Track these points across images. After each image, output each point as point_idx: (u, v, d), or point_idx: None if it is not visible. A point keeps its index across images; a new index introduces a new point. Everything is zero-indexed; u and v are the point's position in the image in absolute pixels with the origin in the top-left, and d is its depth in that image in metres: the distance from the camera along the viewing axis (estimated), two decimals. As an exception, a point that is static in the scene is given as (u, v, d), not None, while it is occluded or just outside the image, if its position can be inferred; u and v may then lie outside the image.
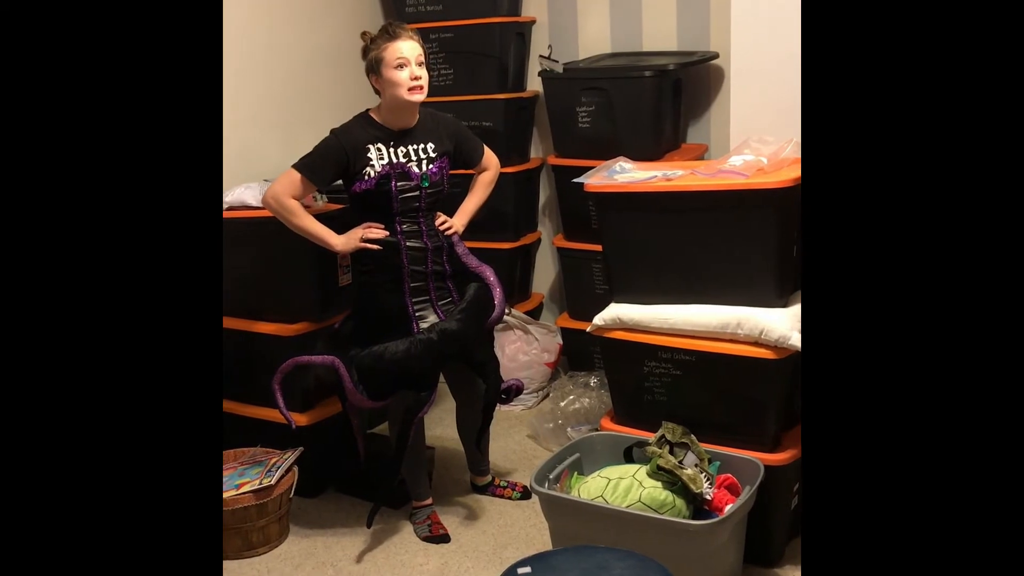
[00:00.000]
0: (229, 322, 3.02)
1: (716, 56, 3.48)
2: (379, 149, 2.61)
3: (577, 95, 3.41)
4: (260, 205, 2.89)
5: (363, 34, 2.64)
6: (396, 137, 2.64)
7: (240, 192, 2.96)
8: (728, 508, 2.25)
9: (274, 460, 2.87)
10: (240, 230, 2.94)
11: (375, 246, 2.61)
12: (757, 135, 2.65)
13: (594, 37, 3.78)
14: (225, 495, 2.73)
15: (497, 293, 2.77)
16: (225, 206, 2.97)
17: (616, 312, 2.57)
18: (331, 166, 2.60)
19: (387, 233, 2.63)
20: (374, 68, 2.59)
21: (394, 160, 2.62)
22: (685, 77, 3.52)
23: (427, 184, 2.65)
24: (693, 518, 2.28)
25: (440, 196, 2.72)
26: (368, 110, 2.69)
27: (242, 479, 2.80)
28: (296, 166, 2.61)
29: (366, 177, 2.59)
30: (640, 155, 3.03)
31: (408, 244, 2.64)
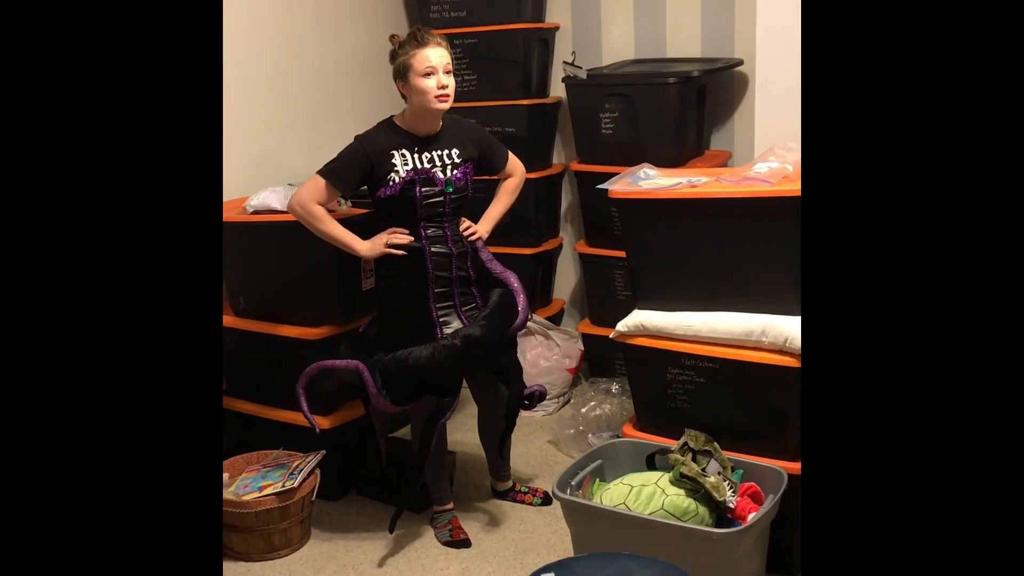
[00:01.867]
0: (252, 325, 3.04)
1: (740, 63, 3.48)
2: (404, 155, 2.62)
3: (601, 101, 3.41)
4: (285, 209, 2.91)
5: (392, 37, 2.65)
6: (420, 143, 2.65)
7: (265, 196, 2.98)
8: (751, 516, 2.25)
9: (297, 463, 2.89)
10: (264, 234, 2.96)
11: (400, 252, 2.62)
12: (782, 142, 2.64)
13: (618, 43, 3.78)
14: (248, 497, 2.75)
15: (521, 299, 2.78)
16: (250, 210, 2.99)
17: (639, 318, 2.56)
18: (356, 172, 2.61)
19: (412, 239, 2.64)
20: (401, 74, 2.60)
21: (419, 166, 2.62)
22: (709, 84, 3.51)
23: (451, 189, 2.66)
24: (716, 526, 2.27)
25: (464, 201, 2.73)
26: (392, 116, 2.70)
27: (265, 481, 2.81)
28: (321, 172, 2.62)
29: (391, 183, 2.60)
30: (663, 161, 3.02)
31: (432, 249, 2.65)
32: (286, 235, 2.91)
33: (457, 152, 2.69)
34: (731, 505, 2.29)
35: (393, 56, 2.62)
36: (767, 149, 2.65)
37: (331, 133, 3.71)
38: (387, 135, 2.64)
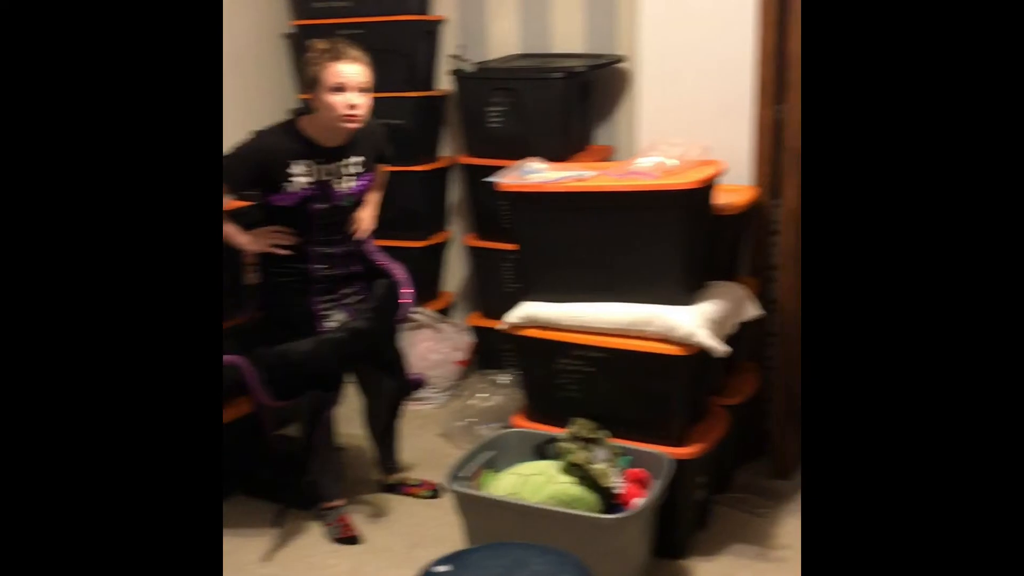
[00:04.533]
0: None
1: (623, 59, 3.55)
2: (304, 165, 2.48)
3: (487, 95, 3.42)
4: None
5: (311, 43, 2.49)
6: (324, 153, 2.52)
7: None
8: (638, 501, 2.30)
9: (179, 463, 2.80)
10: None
11: (284, 251, 2.57)
12: (664, 137, 2.72)
13: (503, 37, 3.80)
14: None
15: (405, 290, 2.77)
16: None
17: (529, 310, 2.59)
18: (249, 171, 2.47)
19: (297, 239, 2.58)
20: (311, 86, 2.44)
21: (319, 178, 2.52)
22: (593, 80, 3.57)
23: (348, 204, 2.61)
24: (605, 512, 2.32)
25: (357, 209, 2.69)
26: (298, 117, 2.54)
27: (145, 483, 2.72)
28: None
29: (285, 191, 2.49)
30: (548, 155, 3.05)
31: (318, 251, 2.61)
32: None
33: (359, 160, 2.59)
34: (618, 491, 2.34)
35: (306, 64, 2.45)
36: (649, 144, 2.72)
37: (211, 123, 3.60)
38: (288, 140, 2.48)
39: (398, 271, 2.79)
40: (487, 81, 3.43)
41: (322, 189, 2.53)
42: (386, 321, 2.72)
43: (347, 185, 2.59)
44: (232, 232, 2.57)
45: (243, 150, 2.48)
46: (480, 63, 3.56)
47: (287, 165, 2.47)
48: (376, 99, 3.66)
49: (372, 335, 2.64)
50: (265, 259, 2.62)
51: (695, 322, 2.40)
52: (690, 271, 2.48)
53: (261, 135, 2.51)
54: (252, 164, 2.46)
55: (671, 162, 2.52)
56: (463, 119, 3.58)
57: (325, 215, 2.58)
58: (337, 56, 2.43)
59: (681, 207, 2.41)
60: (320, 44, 2.48)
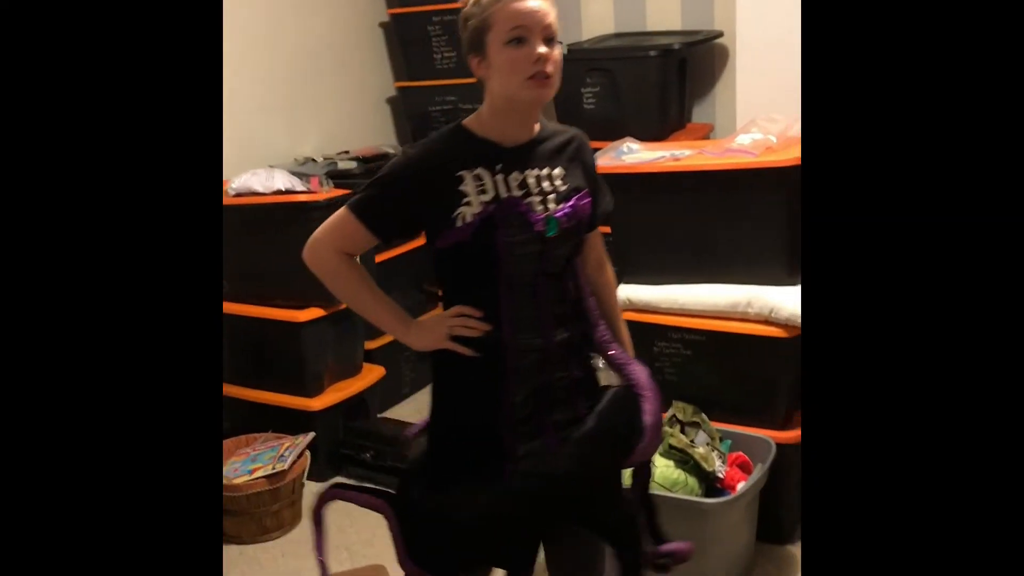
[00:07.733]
0: (238, 308, 3.03)
1: (721, 35, 3.47)
2: (479, 178, 1.52)
3: (582, 76, 3.40)
4: (266, 191, 2.90)
5: None
6: (507, 157, 1.55)
7: (247, 179, 2.96)
8: (740, 486, 2.27)
9: (286, 445, 2.89)
10: (248, 217, 2.94)
11: (468, 351, 1.56)
12: (764, 114, 2.64)
13: (597, 17, 3.77)
14: (238, 480, 2.75)
15: (649, 404, 1.69)
16: (232, 192, 2.97)
17: (626, 293, 2.57)
18: (404, 207, 1.56)
19: (486, 327, 1.55)
20: (476, 43, 1.53)
21: (503, 193, 1.53)
22: (690, 56, 3.51)
23: (554, 232, 1.55)
24: (706, 496, 2.29)
25: (575, 255, 1.64)
26: (462, 120, 1.60)
27: (255, 464, 2.82)
28: (351, 206, 1.58)
29: (458, 223, 1.51)
30: (646, 135, 3.02)
31: (520, 339, 1.56)
32: (270, 218, 2.90)
33: (562, 172, 1.60)
34: (720, 475, 2.31)
35: (465, 20, 1.55)
36: (749, 121, 2.65)
37: (310, 114, 3.69)
38: (454, 146, 1.56)
39: (640, 373, 1.73)
40: (580, 62, 3.40)
41: (511, 209, 1.53)
42: (608, 460, 1.69)
43: (549, 204, 1.56)
44: (394, 321, 1.64)
45: (393, 177, 1.56)
46: (573, 44, 3.54)
47: (458, 180, 1.52)
48: (468, 85, 3.70)
49: (579, 484, 1.62)
50: (440, 361, 1.64)
51: (798, 302, 2.34)
52: (792, 250, 2.41)
53: (416, 151, 1.59)
54: (408, 195, 1.56)
55: (771, 139, 2.46)
56: (557, 102, 3.56)
57: (523, 261, 1.54)
58: None
59: (782, 185, 2.34)
60: None
